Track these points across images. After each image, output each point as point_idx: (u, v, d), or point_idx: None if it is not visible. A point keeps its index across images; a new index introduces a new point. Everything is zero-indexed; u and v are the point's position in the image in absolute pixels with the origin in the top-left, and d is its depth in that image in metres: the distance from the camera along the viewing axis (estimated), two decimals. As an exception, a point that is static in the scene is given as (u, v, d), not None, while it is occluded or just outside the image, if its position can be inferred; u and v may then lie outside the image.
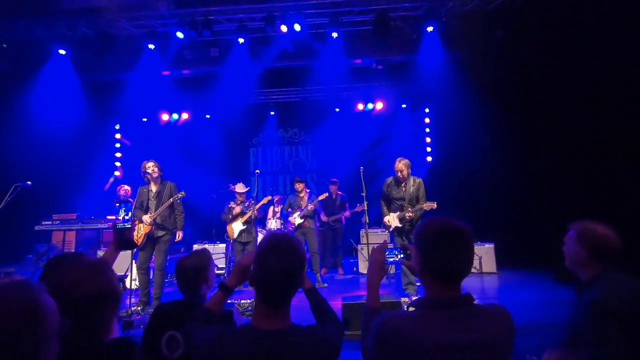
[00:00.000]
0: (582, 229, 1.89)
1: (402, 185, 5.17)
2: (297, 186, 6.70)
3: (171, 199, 5.04)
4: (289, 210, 6.75)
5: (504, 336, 1.28)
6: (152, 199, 5.11)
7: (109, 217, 6.29)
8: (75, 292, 1.25)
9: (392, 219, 5.18)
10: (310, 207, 6.42)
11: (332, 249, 7.66)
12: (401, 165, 5.07)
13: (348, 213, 7.42)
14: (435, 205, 5.01)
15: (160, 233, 5.08)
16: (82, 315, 1.24)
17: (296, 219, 6.52)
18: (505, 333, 1.29)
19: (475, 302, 1.34)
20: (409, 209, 5.06)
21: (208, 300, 1.59)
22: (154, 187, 5.17)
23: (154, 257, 5.18)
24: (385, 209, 5.33)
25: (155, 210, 5.03)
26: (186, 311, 1.83)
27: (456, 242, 1.30)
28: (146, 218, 4.99)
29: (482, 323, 1.27)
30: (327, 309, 1.64)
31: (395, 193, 5.20)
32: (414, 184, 5.13)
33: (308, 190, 6.79)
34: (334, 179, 7.69)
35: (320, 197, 6.50)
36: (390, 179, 5.30)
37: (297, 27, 6.48)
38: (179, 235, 5.19)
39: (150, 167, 5.09)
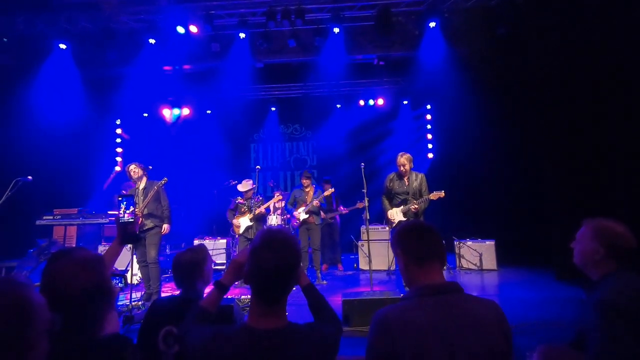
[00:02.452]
0: (599, 226, 1.82)
1: (405, 179, 5.19)
2: (304, 181, 6.66)
3: (155, 187, 5.18)
4: (294, 205, 6.72)
5: (496, 320, 1.34)
6: (139, 196, 5.28)
7: (110, 212, 6.30)
8: (67, 288, 1.23)
9: (396, 214, 5.20)
10: (315, 202, 6.40)
11: (330, 245, 7.68)
12: (403, 159, 5.11)
13: (345, 210, 7.45)
14: (443, 193, 5.04)
15: (150, 224, 5.21)
16: (73, 311, 1.22)
17: (301, 214, 6.49)
18: (496, 318, 1.35)
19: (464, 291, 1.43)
20: (414, 202, 5.07)
21: (204, 299, 1.57)
22: (140, 186, 5.38)
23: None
24: (387, 204, 5.34)
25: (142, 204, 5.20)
26: (183, 307, 1.82)
27: (422, 228, 1.50)
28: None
29: (474, 308, 1.34)
30: (325, 306, 1.62)
31: (398, 187, 5.21)
32: (416, 179, 5.17)
33: (314, 186, 6.77)
34: (327, 178, 7.77)
35: (326, 193, 6.49)
36: (392, 174, 5.32)
37: (298, 23, 6.45)
38: (165, 228, 5.31)
39: (132, 169, 5.37)
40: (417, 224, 1.55)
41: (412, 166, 5.20)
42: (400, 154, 5.19)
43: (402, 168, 5.13)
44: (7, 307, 0.95)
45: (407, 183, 5.18)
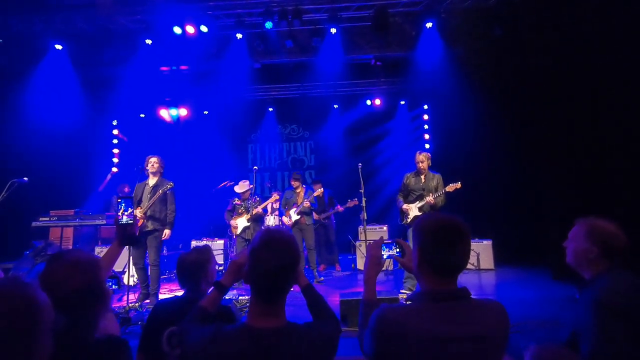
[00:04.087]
0: (592, 225, 1.81)
1: (422, 176, 5.34)
2: (294, 183, 6.71)
3: (160, 190, 5.04)
4: (286, 206, 6.74)
5: (499, 329, 1.31)
6: (147, 193, 5.12)
7: (107, 213, 6.27)
8: (61, 289, 1.24)
9: (412, 209, 5.28)
10: (306, 203, 6.42)
11: (326, 245, 7.70)
12: (422, 156, 5.32)
13: (341, 208, 7.48)
14: (460, 184, 5.14)
15: (151, 226, 5.05)
16: (67, 312, 1.23)
17: (293, 215, 6.52)
18: (500, 326, 1.32)
19: (471, 296, 1.36)
20: (430, 195, 5.18)
21: (203, 299, 1.58)
22: (151, 182, 5.20)
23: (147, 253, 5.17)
24: (402, 199, 5.44)
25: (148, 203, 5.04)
26: (187, 307, 1.82)
27: (455, 237, 1.32)
28: (136, 212, 4.94)
29: (479, 316, 1.29)
30: (324, 306, 1.62)
31: (414, 184, 5.35)
32: (433, 178, 5.32)
33: (304, 187, 6.80)
34: (317, 179, 7.82)
35: (315, 193, 6.51)
36: (409, 173, 5.48)
37: (295, 23, 6.45)
38: (166, 234, 5.13)
39: (152, 162, 5.18)
40: (450, 225, 1.34)
41: (430, 164, 5.37)
42: (419, 151, 5.41)
43: (420, 165, 5.31)
44: (16, 307, 0.96)
45: (423, 180, 5.32)
